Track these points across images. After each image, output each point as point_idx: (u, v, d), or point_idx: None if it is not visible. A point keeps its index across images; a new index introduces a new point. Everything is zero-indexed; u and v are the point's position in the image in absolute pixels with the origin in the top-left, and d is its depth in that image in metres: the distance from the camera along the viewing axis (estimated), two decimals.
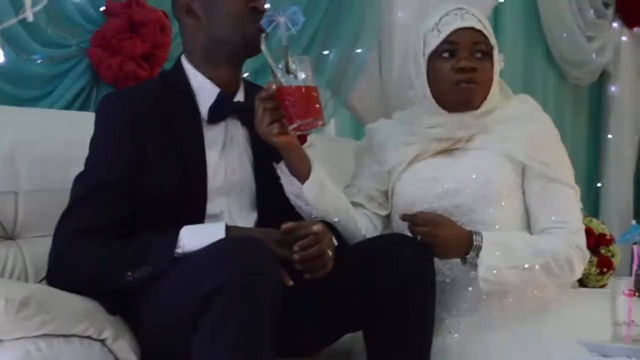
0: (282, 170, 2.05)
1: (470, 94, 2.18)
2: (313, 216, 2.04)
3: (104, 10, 2.59)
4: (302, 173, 2.04)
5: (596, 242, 3.34)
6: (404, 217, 2.10)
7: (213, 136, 2.03)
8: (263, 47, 1.96)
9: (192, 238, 1.85)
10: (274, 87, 1.93)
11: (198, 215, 1.97)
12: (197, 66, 2.05)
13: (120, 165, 1.94)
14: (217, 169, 2.02)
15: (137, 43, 2.57)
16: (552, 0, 4.25)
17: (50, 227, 1.95)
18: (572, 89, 4.62)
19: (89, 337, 1.79)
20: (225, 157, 2.04)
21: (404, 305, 1.93)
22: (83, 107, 2.56)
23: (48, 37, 2.50)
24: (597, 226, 3.41)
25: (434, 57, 2.19)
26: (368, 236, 2.16)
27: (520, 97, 2.32)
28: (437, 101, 2.21)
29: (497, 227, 2.16)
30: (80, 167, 1.99)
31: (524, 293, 2.18)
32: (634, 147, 4.77)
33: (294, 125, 1.92)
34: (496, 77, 2.23)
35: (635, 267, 1.83)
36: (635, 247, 1.85)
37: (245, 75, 2.83)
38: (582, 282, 3.30)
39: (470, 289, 2.15)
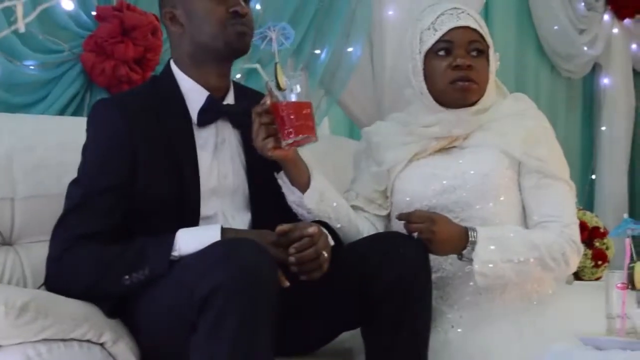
0: (282, 180, 2.08)
1: (467, 91, 2.21)
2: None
3: (95, 15, 2.60)
4: (301, 183, 2.07)
5: (590, 235, 3.36)
6: (400, 217, 2.11)
7: (204, 139, 2.04)
8: (260, 68, 1.99)
9: (188, 241, 1.86)
10: (268, 102, 1.96)
11: (192, 218, 1.98)
12: (185, 71, 2.07)
13: (113, 171, 1.95)
14: (210, 171, 2.03)
15: (129, 47, 2.57)
16: None
17: (47, 232, 1.96)
18: (565, 82, 4.64)
19: (88, 341, 1.81)
20: (217, 159, 2.05)
21: (401, 302, 1.94)
22: (77, 112, 2.56)
23: (40, 43, 2.51)
24: (591, 219, 3.43)
25: (430, 55, 2.22)
26: None
27: (516, 95, 2.35)
28: (435, 99, 2.23)
29: (496, 221, 2.18)
30: (75, 172, 2.00)
31: (524, 287, 2.20)
32: (627, 139, 4.79)
33: (288, 142, 1.95)
34: (492, 76, 2.26)
35: (628, 260, 1.84)
36: (627, 240, 1.86)
37: (237, 77, 2.86)
38: (578, 275, 3.32)
39: (471, 283, 2.16)
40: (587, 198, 4.52)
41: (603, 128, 4.73)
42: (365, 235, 2.18)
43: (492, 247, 2.09)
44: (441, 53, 2.20)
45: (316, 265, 1.89)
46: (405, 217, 2.11)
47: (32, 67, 2.50)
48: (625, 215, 1.90)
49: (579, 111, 4.76)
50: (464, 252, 2.11)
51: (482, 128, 2.24)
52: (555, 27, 4.39)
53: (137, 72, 2.61)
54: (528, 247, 2.13)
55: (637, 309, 1.81)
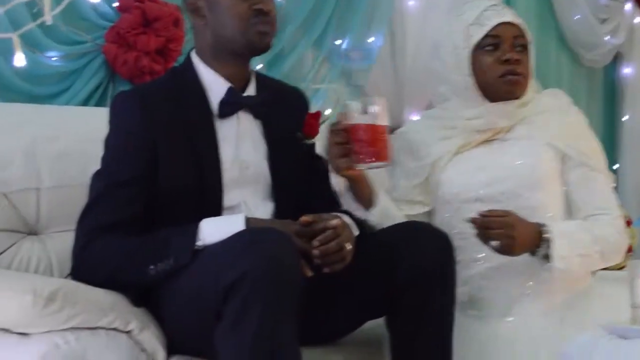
0: (347, 197, 2.14)
1: (515, 85, 2.24)
2: None
3: (117, 6, 2.61)
4: (365, 199, 2.15)
5: None
6: (475, 221, 2.10)
7: (226, 130, 2.05)
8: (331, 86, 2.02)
9: (212, 230, 1.86)
10: (345, 121, 1.98)
11: (215, 208, 1.98)
12: (206, 62, 2.07)
13: (135, 162, 1.96)
14: (232, 162, 2.03)
15: (151, 38, 2.59)
16: None
17: (73, 221, 1.98)
18: (586, 72, 4.61)
19: (115, 329, 1.82)
20: (239, 150, 2.05)
21: (425, 290, 1.94)
22: (100, 103, 2.59)
23: (63, 35, 2.53)
24: None
25: (477, 50, 2.25)
26: None
27: (552, 91, 2.40)
28: (481, 92, 2.26)
29: (544, 211, 2.21)
30: (99, 163, 2.01)
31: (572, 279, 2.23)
32: None
33: (361, 166, 2.01)
34: (532, 70, 2.29)
35: None
36: None
37: (259, 67, 2.86)
38: None
39: (521, 274, 2.19)
40: None
41: (625, 117, 4.69)
42: None
43: (565, 242, 2.12)
44: (489, 48, 2.24)
45: (339, 258, 1.89)
46: (481, 222, 2.09)
47: (55, 59, 2.53)
48: None
49: (601, 101, 4.73)
50: (539, 249, 2.13)
51: (525, 121, 2.28)
52: (577, 17, 4.36)
53: (159, 63, 2.62)
54: (591, 240, 2.17)
55: None
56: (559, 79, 4.34)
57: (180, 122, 2.01)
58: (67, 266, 1.98)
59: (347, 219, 2.00)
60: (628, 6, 4.61)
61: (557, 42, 4.40)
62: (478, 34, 2.24)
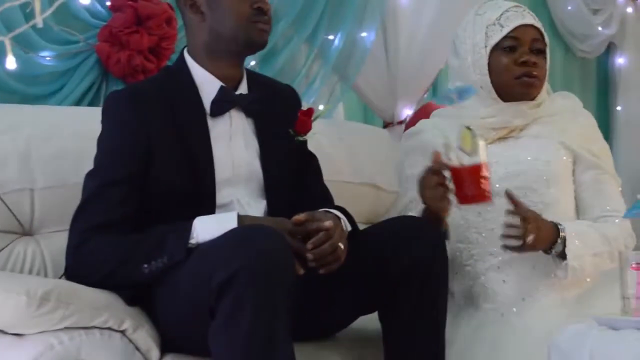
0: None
1: (531, 87, 2.28)
2: None
3: (109, 5, 2.61)
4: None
5: None
6: (509, 195, 2.13)
7: (218, 129, 2.06)
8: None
9: (206, 228, 1.87)
10: (447, 161, 2.03)
11: (208, 206, 1.99)
12: (199, 60, 2.08)
13: (127, 162, 1.97)
14: (224, 161, 2.04)
15: (144, 36, 2.59)
16: None
17: (67, 222, 1.99)
18: (579, 62, 4.62)
19: (109, 329, 1.83)
20: (231, 149, 2.06)
21: (418, 285, 1.96)
22: (93, 102, 2.59)
23: (56, 35, 2.53)
24: None
25: (496, 50, 2.27)
26: None
27: (563, 93, 2.44)
28: (496, 92, 2.29)
29: (557, 207, 2.25)
30: (92, 162, 2.02)
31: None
32: None
33: (462, 205, 2.05)
34: (547, 73, 2.33)
35: None
36: None
37: (252, 63, 2.87)
38: None
39: (534, 268, 2.22)
40: None
41: (618, 108, 4.71)
42: None
43: (578, 242, 2.16)
44: (507, 49, 2.26)
45: (334, 258, 1.90)
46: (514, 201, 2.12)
47: (48, 59, 2.53)
48: (639, 196, 1.91)
49: (594, 91, 4.74)
50: (554, 246, 2.15)
51: (538, 121, 2.31)
52: (569, 7, 4.37)
53: (152, 62, 2.62)
54: (602, 241, 2.20)
55: None
56: (553, 70, 4.30)
57: (172, 121, 2.02)
58: (62, 266, 1.99)
59: (339, 214, 2.02)
60: None
61: (550, 33, 4.38)
62: (497, 35, 2.27)
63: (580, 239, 2.17)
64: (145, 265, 1.87)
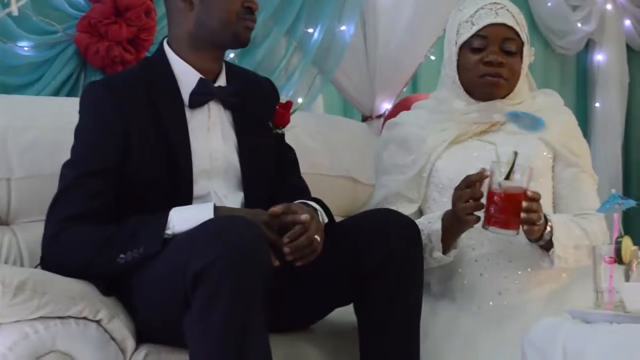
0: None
1: (494, 86, 2.28)
2: None
3: None
4: (448, 245, 2.16)
5: None
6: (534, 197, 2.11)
7: (196, 121, 2.06)
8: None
9: (182, 219, 1.88)
10: (487, 181, 2.04)
11: (185, 198, 2.00)
12: (179, 51, 2.08)
13: (104, 153, 1.97)
14: (202, 153, 2.04)
15: (122, 27, 2.58)
16: None
17: (43, 212, 1.98)
18: (559, 59, 4.65)
19: (84, 318, 1.83)
20: (209, 141, 2.06)
21: (393, 277, 1.97)
22: (71, 93, 2.58)
23: (34, 25, 2.52)
24: None
25: (465, 47, 2.29)
26: None
27: (546, 91, 2.44)
28: (465, 89, 2.31)
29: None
30: (70, 153, 2.02)
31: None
32: (621, 115, 4.80)
33: (489, 228, 2.04)
34: (524, 72, 2.33)
35: (615, 235, 1.86)
36: (616, 215, 1.88)
37: (231, 56, 2.87)
38: None
39: (510, 262, 2.23)
40: None
41: (597, 104, 4.74)
42: None
43: (564, 233, 2.17)
44: (475, 47, 2.27)
45: (310, 251, 1.91)
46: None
47: (26, 49, 2.52)
48: (614, 191, 1.92)
49: (573, 88, 4.77)
50: (543, 235, 2.16)
51: None
52: (549, 4, 4.40)
53: (131, 53, 2.62)
54: (582, 235, 2.22)
55: (624, 283, 1.83)
56: (532, 66, 4.34)
57: (150, 112, 2.01)
58: (38, 256, 1.99)
59: (316, 206, 2.03)
60: None
61: (530, 29, 4.38)
62: (467, 33, 2.27)
63: (566, 230, 2.18)
64: (122, 256, 1.87)
